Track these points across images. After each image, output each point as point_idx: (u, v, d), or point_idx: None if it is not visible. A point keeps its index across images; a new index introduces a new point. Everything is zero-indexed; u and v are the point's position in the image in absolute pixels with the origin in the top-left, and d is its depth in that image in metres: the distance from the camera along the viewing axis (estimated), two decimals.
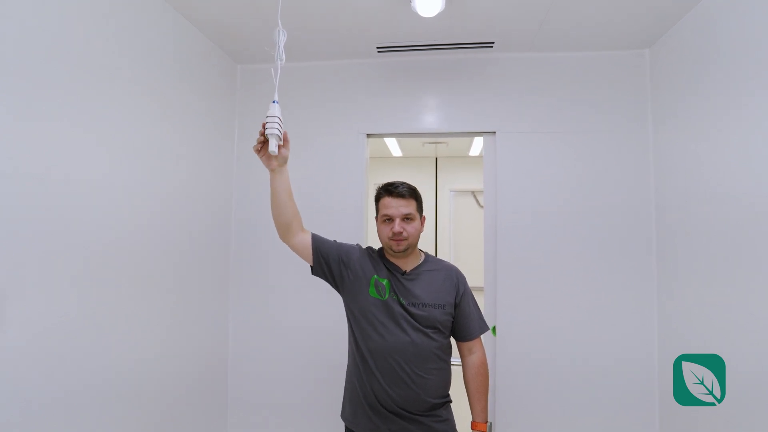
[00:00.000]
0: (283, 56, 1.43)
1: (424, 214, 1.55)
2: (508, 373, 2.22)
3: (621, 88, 2.24)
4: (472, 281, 1.64)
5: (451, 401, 1.53)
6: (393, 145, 4.20)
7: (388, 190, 1.50)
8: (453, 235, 4.51)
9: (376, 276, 1.48)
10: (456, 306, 1.51)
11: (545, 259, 2.24)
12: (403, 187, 1.50)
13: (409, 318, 1.43)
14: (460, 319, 1.52)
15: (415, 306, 1.44)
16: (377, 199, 1.54)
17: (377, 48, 2.26)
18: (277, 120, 1.31)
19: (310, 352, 2.35)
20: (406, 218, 1.47)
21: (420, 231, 1.51)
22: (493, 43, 2.19)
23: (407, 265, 1.52)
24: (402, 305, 1.44)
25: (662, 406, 2.09)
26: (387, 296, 1.45)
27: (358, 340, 1.49)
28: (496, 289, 2.26)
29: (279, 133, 1.33)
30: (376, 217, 1.55)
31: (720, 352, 1.61)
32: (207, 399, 2.21)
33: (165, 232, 1.87)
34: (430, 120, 2.39)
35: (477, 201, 4.32)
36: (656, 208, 2.16)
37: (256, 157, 2.47)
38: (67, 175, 1.36)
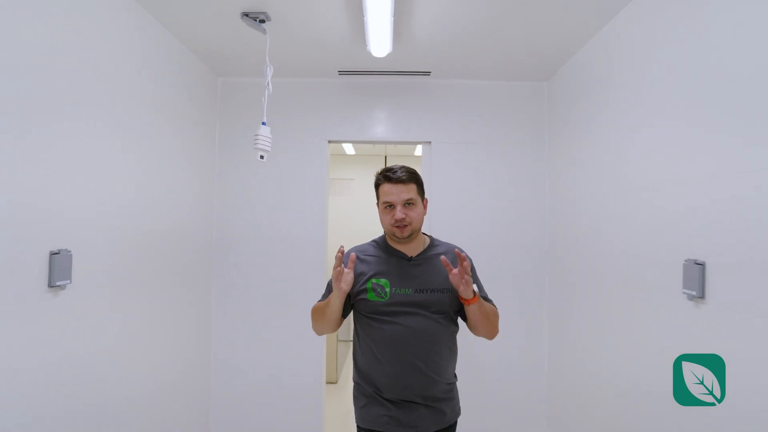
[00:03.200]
0: (270, 87, 1.94)
1: (426, 196, 1.51)
2: None
3: (527, 114, 2.88)
4: None
5: (456, 379, 1.52)
6: (347, 145, 4.71)
7: (387, 176, 1.43)
8: None
9: (372, 279, 1.43)
10: None
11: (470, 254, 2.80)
12: (402, 172, 1.42)
13: (416, 307, 1.39)
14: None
15: (423, 292, 1.41)
16: (377, 185, 1.47)
17: (338, 71, 2.78)
18: (263, 137, 1.86)
19: (293, 361, 2.75)
20: (408, 203, 1.41)
21: (423, 215, 1.47)
22: (430, 72, 2.78)
23: (412, 250, 1.48)
24: (408, 294, 1.40)
25: (549, 403, 2.66)
26: (388, 297, 1.40)
27: (364, 334, 1.45)
28: None
29: (266, 148, 1.86)
30: (377, 204, 1.49)
31: (609, 361, 1.93)
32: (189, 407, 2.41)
33: (144, 240, 1.95)
34: (380, 130, 2.95)
35: None
36: (549, 221, 2.77)
37: (235, 165, 2.99)
38: (59, 182, 1.43)
